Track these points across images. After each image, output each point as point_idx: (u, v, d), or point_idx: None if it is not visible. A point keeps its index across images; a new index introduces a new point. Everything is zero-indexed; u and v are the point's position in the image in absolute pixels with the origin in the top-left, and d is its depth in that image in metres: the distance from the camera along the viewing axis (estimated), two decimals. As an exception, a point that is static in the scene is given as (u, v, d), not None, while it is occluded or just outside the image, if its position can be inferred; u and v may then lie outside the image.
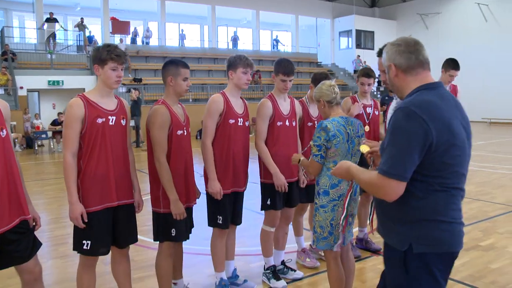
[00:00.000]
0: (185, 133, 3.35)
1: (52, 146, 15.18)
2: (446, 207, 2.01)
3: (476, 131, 5.54)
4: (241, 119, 3.65)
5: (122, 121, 3.03)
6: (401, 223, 2.06)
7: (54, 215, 6.74)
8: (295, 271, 4.14)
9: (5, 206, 2.56)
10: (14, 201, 2.62)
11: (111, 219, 2.99)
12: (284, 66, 3.78)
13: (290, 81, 3.81)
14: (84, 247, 2.91)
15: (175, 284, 3.65)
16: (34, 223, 2.81)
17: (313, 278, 4.13)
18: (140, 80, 20.54)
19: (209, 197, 3.61)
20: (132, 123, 15.06)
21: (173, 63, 3.33)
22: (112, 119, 2.95)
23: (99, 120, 2.88)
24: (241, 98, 3.76)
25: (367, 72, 4.67)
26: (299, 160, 3.39)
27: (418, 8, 28.01)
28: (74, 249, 2.99)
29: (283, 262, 4.15)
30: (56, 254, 4.91)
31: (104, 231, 2.96)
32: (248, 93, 22.13)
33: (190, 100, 19.75)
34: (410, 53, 2.08)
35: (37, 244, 2.78)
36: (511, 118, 23.12)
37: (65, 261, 4.69)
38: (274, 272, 3.98)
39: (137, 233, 3.21)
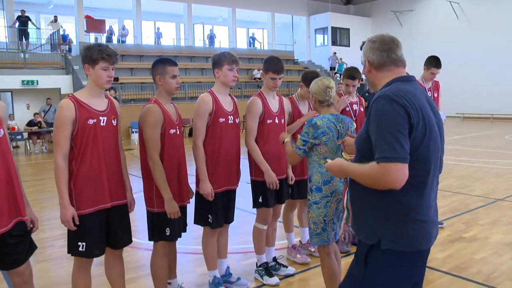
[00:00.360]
0: (178, 132, 3.35)
1: (28, 148, 14.83)
2: (419, 204, 2.00)
3: (450, 125, 5.69)
4: (231, 116, 3.64)
5: (113, 121, 2.99)
6: (374, 218, 2.06)
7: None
8: (287, 267, 4.17)
9: (3, 207, 2.54)
10: (12, 202, 2.60)
11: (105, 220, 2.96)
12: (274, 64, 3.79)
13: (279, 79, 3.82)
14: (80, 249, 2.87)
15: (169, 283, 3.64)
16: (31, 225, 2.77)
17: (304, 274, 4.18)
18: (116, 79, 20.24)
19: (200, 196, 3.59)
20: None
21: (160, 62, 3.31)
22: (103, 120, 2.91)
23: (90, 121, 2.84)
24: (229, 95, 3.74)
25: (351, 74, 4.66)
26: (284, 141, 3.38)
27: (392, 6, 28.41)
28: (68, 252, 2.95)
29: (274, 259, 4.18)
30: (42, 257, 4.81)
31: (99, 232, 2.93)
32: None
33: (186, 98, 19.57)
34: (383, 51, 2.12)
35: (32, 247, 2.77)
36: (482, 113, 23.72)
37: (53, 264, 4.61)
38: (267, 269, 4.01)
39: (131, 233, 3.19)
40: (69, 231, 2.90)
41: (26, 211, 2.73)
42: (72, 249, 2.91)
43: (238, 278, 3.90)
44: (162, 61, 3.32)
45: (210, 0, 25.31)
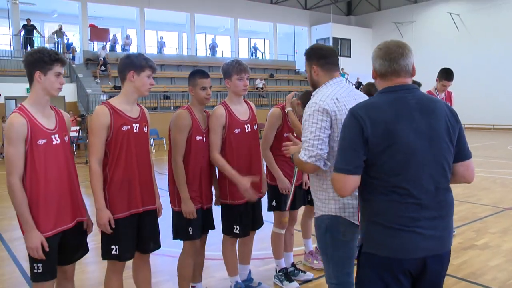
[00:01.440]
0: (204, 140, 3.46)
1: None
2: (390, 212, 2.02)
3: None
4: (248, 125, 3.62)
5: (144, 128, 3.08)
6: (361, 221, 2.20)
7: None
8: (305, 272, 4.24)
9: (67, 206, 2.73)
10: (74, 202, 2.78)
11: (136, 224, 3.04)
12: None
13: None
14: (113, 252, 2.95)
15: (193, 287, 3.72)
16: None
17: (322, 280, 4.22)
18: (120, 87, 20.34)
19: (225, 207, 3.65)
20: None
21: (192, 74, 3.47)
22: (136, 127, 3.01)
23: (125, 128, 2.94)
24: (245, 101, 3.74)
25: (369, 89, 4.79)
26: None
27: (393, 17, 28.69)
28: (102, 256, 3.03)
29: (293, 264, 4.24)
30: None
31: (131, 236, 3.01)
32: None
33: (172, 107, 19.70)
34: (385, 60, 2.12)
35: (86, 249, 2.97)
36: (483, 124, 23.88)
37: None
38: (286, 274, 4.07)
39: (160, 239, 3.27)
40: (103, 236, 2.98)
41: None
42: (105, 253, 3.00)
43: (259, 283, 3.97)
44: (193, 73, 3.47)
45: (212, 10, 25.53)
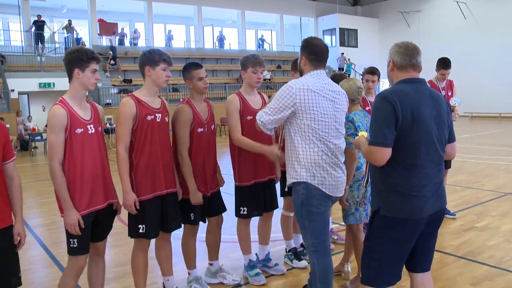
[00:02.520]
0: (206, 130, 3.69)
1: (47, 148, 15.29)
2: (408, 181, 2.50)
3: (458, 124, 6.03)
4: None
5: (165, 118, 3.38)
6: (376, 190, 2.66)
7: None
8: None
9: (100, 188, 3.03)
10: (107, 185, 3.09)
11: (160, 206, 3.34)
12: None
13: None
14: (140, 231, 3.27)
15: (211, 264, 4.05)
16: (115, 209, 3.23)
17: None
18: (130, 81, 20.71)
19: (237, 189, 3.92)
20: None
21: (186, 68, 3.68)
22: (159, 116, 3.30)
23: (149, 118, 3.23)
24: (258, 93, 4.00)
25: (371, 70, 5.06)
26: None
27: (399, 6, 28.70)
28: (129, 235, 3.35)
29: (302, 245, 4.53)
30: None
31: (156, 216, 3.32)
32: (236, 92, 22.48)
33: (181, 99, 19.95)
34: (407, 55, 2.61)
35: (110, 230, 3.27)
36: (490, 112, 23.96)
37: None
38: (296, 254, 4.37)
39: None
40: (130, 217, 3.30)
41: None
42: (132, 232, 3.31)
43: (276, 264, 4.23)
44: (187, 66, 3.68)
45: (220, 3, 25.73)
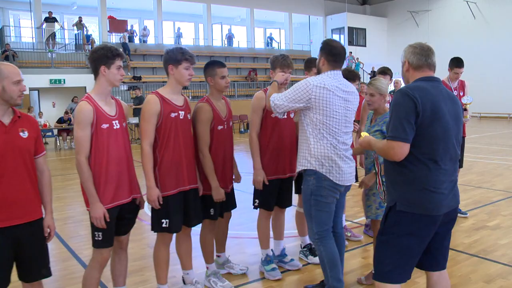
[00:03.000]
0: (226, 127, 3.79)
1: (58, 144, 15.47)
2: (427, 176, 2.51)
3: (467, 124, 6.09)
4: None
5: (188, 115, 3.46)
6: (393, 186, 2.65)
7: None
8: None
9: (125, 183, 3.11)
10: (131, 180, 3.17)
11: (183, 201, 3.42)
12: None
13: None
14: (163, 225, 3.35)
15: (219, 256, 4.14)
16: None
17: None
18: (139, 78, 20.83)
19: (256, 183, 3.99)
20: (136, 120, 15.42)
21: (209, 65, 3.76)
22: (182, 114, 3.38)
23: (173, 115, 3.31)
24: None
25: (383, 70, 5.17)
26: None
27: (408, 6, 28.62)
28: (152, 229, 3.43)
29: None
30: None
31: (179, 212, 3.40)
32: (245, 90, 22.58)
33: (190, 97, 20.09)
34: (422, 56, 2.66)
35: (133, 224, 3.33)
36: (499, 112, 23.88)
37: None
38: (311, 249, 4.45)
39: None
40: (153, 211, 3.38)
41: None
42: (156, 226, 3.39)
43: (292, 259, 4.31)
44: (211, 64, 3.77)
45: (229, 1, 25.79)
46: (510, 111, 23.60)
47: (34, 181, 2.77)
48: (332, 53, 3.31)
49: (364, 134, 2.96)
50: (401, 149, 2.48)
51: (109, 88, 3.10)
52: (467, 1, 25.39)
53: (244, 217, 4.15)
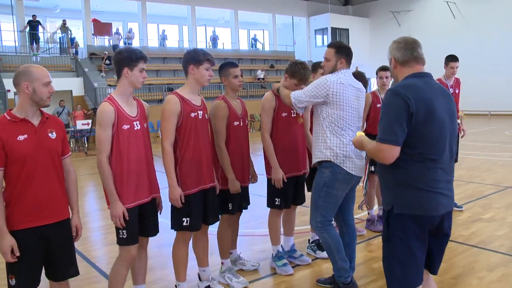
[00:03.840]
0: (241, 124, 3.91)
1: (96, 142, 15.33)
2: (422, 176, 2.41)
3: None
4: (293, 111, 4.06)
5: (206, 115, 3.56)
6: (388, 188, 2.55)
7: (90, 208, 7.12)
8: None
9: (145, 182, 3.15)
10: (151, 180, 3.21)
11: (203, 199, 3.51)
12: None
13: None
14: (184, 223, 3.42)
15: (230, 253, 4.22)
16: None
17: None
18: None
19: (270, 181, 4.10)
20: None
21: (223, 66, 3.91)
22: (200, 114, 3.47)
23: (192, 114, 3.40)
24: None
25: (384, 67, 5.32)
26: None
27: (390, 6, 29.04)
28: (172, 227, 3.50)
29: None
30: (108, 241, 5.36)
31: (200, 210, 3.48)
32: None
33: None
34: (407, 50, 2.56)
35: (158, 227, 3.34)
36: (481, 110, 24.43)
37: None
38: (319, 245, 4.58)
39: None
40: (173, 210, 3.45)
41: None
42: (176, 224, 3.46)
43: (301, 255, 4.44)
44: (225, 65, 3.91)
45: (213, 3, 25.80)
46: (490, 108, 24.17)
47: (62, 182, 2.83)
48: (349, 55, 3.65)
49: (359, 133, 2.93)
50: (391, 152, 2.40)
51: (131, 89, 3.16)
52: (447, 1, 25.92)
53: (249, 215, 4.25)
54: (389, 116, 2.42)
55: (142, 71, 3.12)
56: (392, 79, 5.28)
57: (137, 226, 3.18)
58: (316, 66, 4.51)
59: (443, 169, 2.47)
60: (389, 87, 5.35)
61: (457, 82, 6.08)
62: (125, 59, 3.09)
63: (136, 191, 3.12)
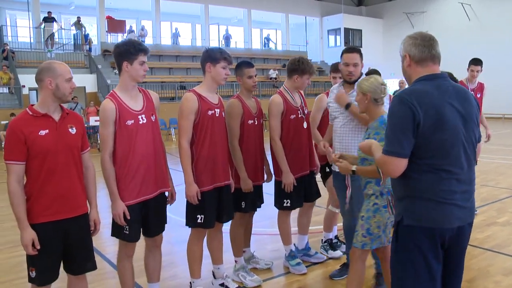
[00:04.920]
0: (256, 123, 3.90)
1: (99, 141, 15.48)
2: (434, 187, 2.21)
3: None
4: (300, 110, 4.08)
5: (223, 113, 3.57)
6: (398, 199, 2.37)
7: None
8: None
9: (151, 178, 3.13)
10: (159, 174, 3.18)
11: (218, 197, 3.52)
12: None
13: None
14: (199, 220, 3.43)
15: (243, 251, 4.23)
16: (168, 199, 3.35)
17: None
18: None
19: (277, 183, 4.10)
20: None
21: (239, 66, 3.91)
22: (217, 112, 3.48)
23: (209, 112, 3.41)
24: (298, 92, 4.19)
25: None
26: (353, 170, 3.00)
27: (404, 7, 28.88)
28: (187, 224, 3.52)
29: (336, 237, 4.73)
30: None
31: (214, 207, 3.49)
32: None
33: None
34: (425, 47, 2.30)
35: (165, 221, 3.33)
36: (494, 113, 24.17)
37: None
38: (331, 244, 4.57)
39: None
40: (188, 206, 3.46)
41: (169, 184, 3.31)
42: (190, 221, 3.48)
43: (316, 252, 4.45)
44: (241, 64, 3.92)
45: (227, 1, 25.87)
46: (504, 111, 23.91)
47: (81, 177, 2.86)
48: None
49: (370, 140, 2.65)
50: (397, 166, 2.21)
51: (133, 83, 3.11)
52: (461, 3, 25.70)
53: (260, 214, 4.25)
54: (394, 126, 2.23)
55: (142, 64, 3.06)
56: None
57: (139, 224, 3.17)
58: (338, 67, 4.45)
59: (458, 179, 2.24)
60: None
61: (481, 87, 6.07)
62: (123, 52, 3.03)
63: (140, 187, 3.10)
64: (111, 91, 3.15)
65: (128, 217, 3.06)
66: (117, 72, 3.14)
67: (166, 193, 3.35)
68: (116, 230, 3.15)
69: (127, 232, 3.13)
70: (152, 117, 3.16)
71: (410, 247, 2.28)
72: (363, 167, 2.95)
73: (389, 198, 3.00)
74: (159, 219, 3.31)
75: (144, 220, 3.20)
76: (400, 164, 2.20)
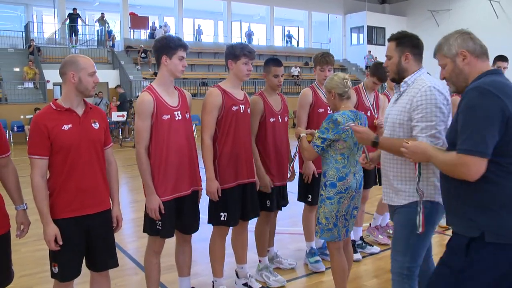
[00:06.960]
0: (280, 121, 3.80)
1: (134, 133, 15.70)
2: None
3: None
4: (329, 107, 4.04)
5: (248, 109, 3.49)
6: (472, 209, 2.02)
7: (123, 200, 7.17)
8: (372, 246, 4.61)
9: (185, 175, 3.10)
10: (192, 172, 3.15)
11: (241, 194, 3.45)
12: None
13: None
14: (222, 218, 3.37)
15: (267, 251, 4.14)
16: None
17: (386, 253, 4.57)
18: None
19: (301, 176, 4.06)
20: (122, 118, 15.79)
21: (267, 63, 3.81)
22: (242, 108, 3.41)
23: (234, 108, 3.34)
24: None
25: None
26: (300, 135, 3.30)
27: (429, 5, 28.34)
28: (209, 222, 3.45)
29: (361, 238, 4.62)
30: (142, 234, 5.35)
31: (237, 205, 3.42)
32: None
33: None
34: (476, 41, 2.18)
35: (199, 219, 3.29)
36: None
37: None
38: (353, 246, 4.45)
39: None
40: (211, 204, 3.40)
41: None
42: (213, 219, 3.42)
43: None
44: (267, 62, 3.82)
45: (249, -2, 25.83)
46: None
47: (104, 172, 2.82)
48: (417, 45, 2.85)
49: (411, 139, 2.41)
50: (478, 167, 1.92)
51: (171, 78, 3.10)
52: (490, 0, 25.09)
53: (281, 213, 4.16)
54: (477, 121, 1.93)
55: (181, 60, 3.05)
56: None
57: (173, 220, 3.14)
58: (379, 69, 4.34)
59: None
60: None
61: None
62: (163, 46, 3.03)
63: (175, 183, 3.07)
64: (148, 85, 3.12)
65: (163, 212, 3.03)
66: (139, 67, 3.11)
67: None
68: (149, 226, 3.12)
69: (160, 228, 3.09)
70: (186, 115, 3.15)
71: (490, 270, 1.96)
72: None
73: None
74: (194, 217, 3.27)
75: (177, 217, 3.16)
76: (482, 165, 1.93)
